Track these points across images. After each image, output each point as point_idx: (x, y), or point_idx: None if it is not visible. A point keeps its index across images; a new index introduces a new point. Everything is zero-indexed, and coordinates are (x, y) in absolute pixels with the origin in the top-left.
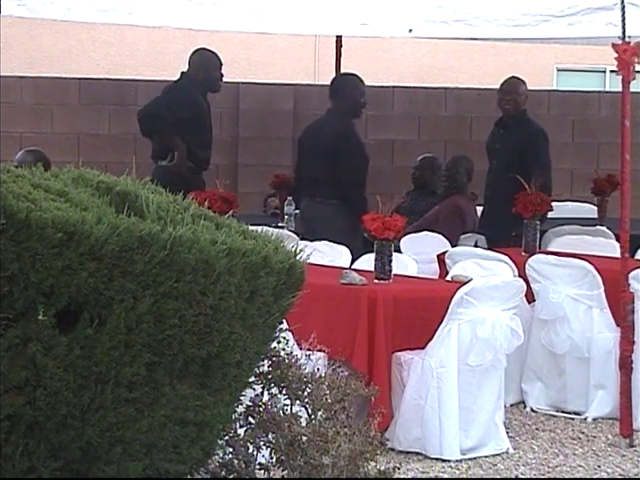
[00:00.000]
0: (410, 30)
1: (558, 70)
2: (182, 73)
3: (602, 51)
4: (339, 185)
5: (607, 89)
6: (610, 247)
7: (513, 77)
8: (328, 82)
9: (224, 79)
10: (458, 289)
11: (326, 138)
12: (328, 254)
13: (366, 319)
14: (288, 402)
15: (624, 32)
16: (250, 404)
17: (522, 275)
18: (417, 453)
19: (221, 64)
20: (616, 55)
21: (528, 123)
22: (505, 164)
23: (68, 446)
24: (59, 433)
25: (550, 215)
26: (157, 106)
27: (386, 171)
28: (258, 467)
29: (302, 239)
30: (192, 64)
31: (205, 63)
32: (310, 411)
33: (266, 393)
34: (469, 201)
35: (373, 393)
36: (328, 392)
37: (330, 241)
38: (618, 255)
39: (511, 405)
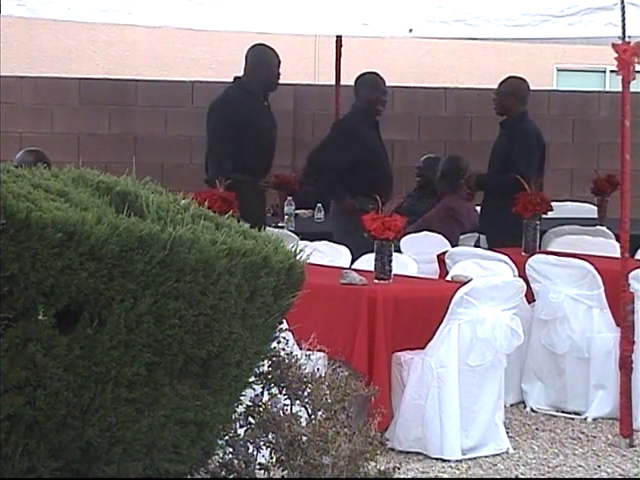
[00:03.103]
0: (410, 30)
1: (558, 70)
2: (235, 78)
3: (602, 51)
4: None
5: (607, 89)
6: (610, 247)
7: (509, 77)
8: (328, 82)
9: (224, 79)
10: (458, 289)
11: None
12: (328, 254)
13: (366, 319)
14: (288, 402)
15: (624, 32)
16: (250, 404)
17: (522, 275)
18: (417, 453)
19: (279, 61)
20: (616, 55)
21: (522, 124)
22: (496, 163)
23: (68, 446)
24: (59, 433)
25: (550, 215)
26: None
27: None
28: (258, 467)
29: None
30: (249, 63)
31: (263, 61)
32: (310, 411)
33: (266, 393)
34: (463, 201)
35: (373, 393)
36: (328, 392)
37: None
38: (618, 255)
39: (511, 405)
